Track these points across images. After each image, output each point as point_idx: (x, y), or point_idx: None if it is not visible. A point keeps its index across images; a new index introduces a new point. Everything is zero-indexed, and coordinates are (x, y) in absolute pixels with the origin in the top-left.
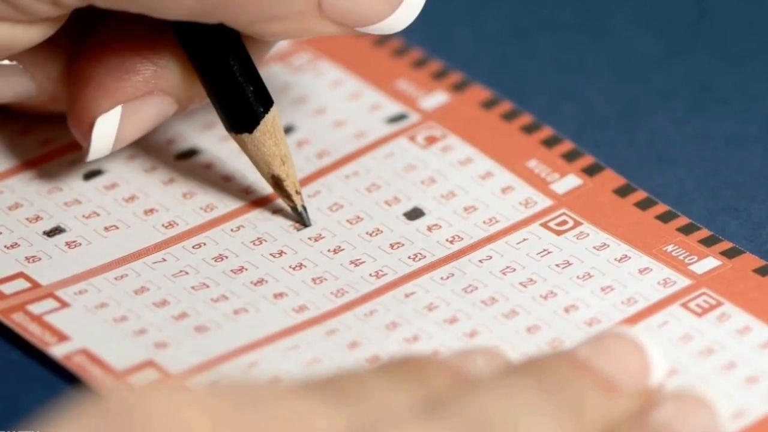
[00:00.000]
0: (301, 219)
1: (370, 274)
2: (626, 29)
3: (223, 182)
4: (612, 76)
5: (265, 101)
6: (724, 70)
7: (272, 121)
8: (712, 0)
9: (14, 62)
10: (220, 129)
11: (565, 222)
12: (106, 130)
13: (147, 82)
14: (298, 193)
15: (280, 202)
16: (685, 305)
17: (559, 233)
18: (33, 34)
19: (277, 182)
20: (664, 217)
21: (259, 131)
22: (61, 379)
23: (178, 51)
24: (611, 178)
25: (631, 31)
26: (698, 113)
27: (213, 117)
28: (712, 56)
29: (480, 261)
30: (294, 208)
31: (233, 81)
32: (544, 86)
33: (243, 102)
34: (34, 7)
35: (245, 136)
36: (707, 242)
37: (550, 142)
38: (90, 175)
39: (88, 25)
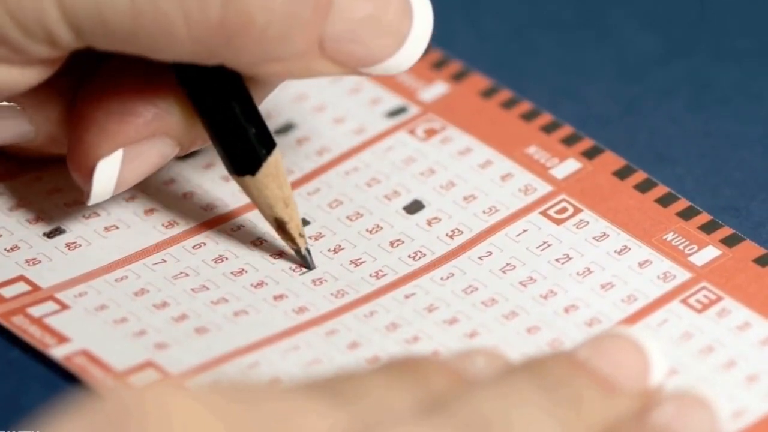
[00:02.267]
0: (305, 262)
1: (370, 275)
2: (627, 28)
3: (223, 182)
4: (612, 74)
5: (267, 143)
6: (724, 69)
7: (275, 163)
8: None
9: (13, 104)
10: None
11: (564, 209)
12: (108, 174)
13: (148, 124)
14: (302, 236)
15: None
16: (685, 301)
17: (559, 222)
18: (30, 76)
19: (280, 225)
20: (664, 201)
21: (261, 174)
22: (61, 378)
23: (179, 93)
24: (611, 160)
25: (632, 29)
26: (698, 112)
27: None
28: (713, 55)
29: (480, 258)
30: (297, 251)
31: (235, 123)
32: (544, 85)
33: (245, 144)
34: (31, 48)
35: (248, 178)
36: (707, 228)
37: (549, 128)
38: None
39: (89, 67)
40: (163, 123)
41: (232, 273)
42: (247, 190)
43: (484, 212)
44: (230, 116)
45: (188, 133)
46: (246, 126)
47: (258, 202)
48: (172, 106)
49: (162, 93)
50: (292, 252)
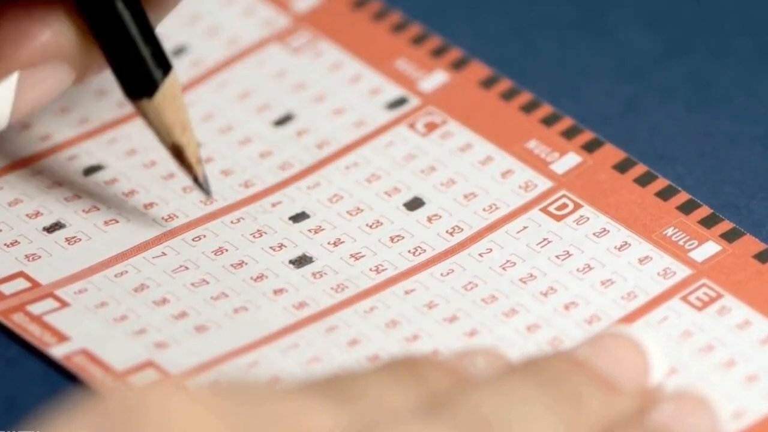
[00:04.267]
0: (203, 189)
1: (370, 269)
2: (627, 26)
3: (223, 176)
4: (612, 73)
5: (163, 65)
6: (724, 67)
7: (172, 86)
8: None
9: None
10: (219, 121)
11: (565, 205)
12: (2, 101)
13: (43, 48)
14: (199, 162)
15: (280, 194)
16: (685, 298)
17: (559, 218)
18: None
19: (177, 151)
20: (664, 194)
21: (158, 97)
22: (61, 377)
23: (74, 14)
24: (611, 153)
25: (632, 28)
26: (698, 111)
27: (212, 108)
28: (713, 54)
29: (480, 255)
30: (195, 179)
31: (130, 43)
32: (543, 84)
33: (141, 66)
34: None
35: (144, 102)
36: (707, 222)
37: (549, 120)
38: (90, 171)
39: None
40: (59, 46)
41: (231, 265)
42: (143, 114)
43: (484, 210)
44: (125, 36)
45: (84, 58)
46: (142, 47)
47: (155, 126)
48: (67, 28)
49: (56, 14)
50: (191, 181)
